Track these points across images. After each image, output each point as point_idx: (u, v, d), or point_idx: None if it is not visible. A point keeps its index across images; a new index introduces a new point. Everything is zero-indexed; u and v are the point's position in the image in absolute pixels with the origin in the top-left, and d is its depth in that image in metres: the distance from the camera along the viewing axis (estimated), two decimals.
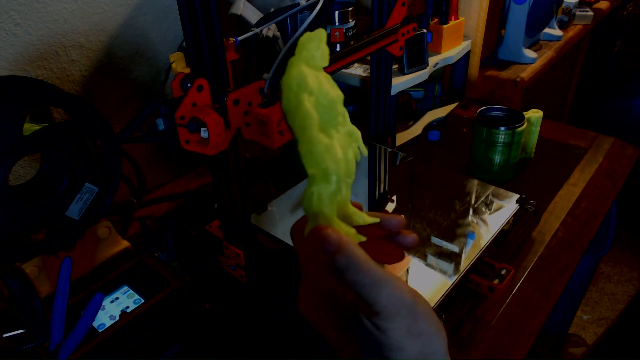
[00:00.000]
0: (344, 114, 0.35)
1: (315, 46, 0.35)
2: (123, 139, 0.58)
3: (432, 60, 1.08)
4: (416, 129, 1.13)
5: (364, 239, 0.35)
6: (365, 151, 0.37)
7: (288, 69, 0.34)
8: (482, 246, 0.69)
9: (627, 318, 1.08)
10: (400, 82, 1.01)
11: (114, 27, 0.84)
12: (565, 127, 1.15)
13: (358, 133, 0.36)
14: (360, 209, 0.37)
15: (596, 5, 1.78)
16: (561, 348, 1.58)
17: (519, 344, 0.66)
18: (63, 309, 0.52)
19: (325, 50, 0.35)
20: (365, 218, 0.36)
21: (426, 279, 0.66)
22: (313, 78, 0.34)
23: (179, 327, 0.62)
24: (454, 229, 0.73)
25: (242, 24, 0.88)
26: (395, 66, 1.06)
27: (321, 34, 0.35)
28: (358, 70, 1.05)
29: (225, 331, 0.67)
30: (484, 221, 0.75)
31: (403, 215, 0.38)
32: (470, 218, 0.76)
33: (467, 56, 1.23)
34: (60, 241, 0.59)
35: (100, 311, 0.56)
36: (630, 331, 1.00)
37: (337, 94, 0.35)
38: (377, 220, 0.36)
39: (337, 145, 0.34)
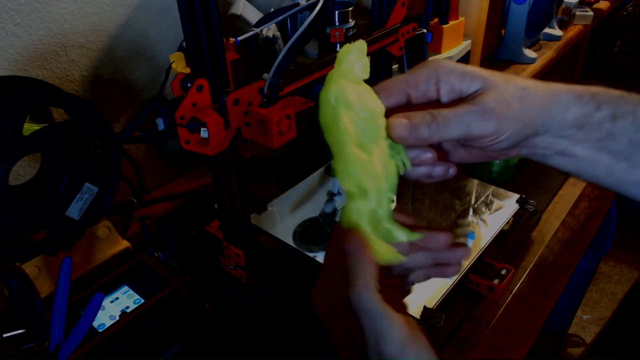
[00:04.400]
0: (385, 126, 0.34)
1: (355, 58, 0.34)
2: (123, 139, 0.58)
3: None
4: None
5: (403, 258, 0.34)
6: (409, 164, 0.35)
7: (327, 83, 0.33)
8: (482, 246, 0.69)
9: (621, 316, 1.08)
10: None
11: (114, 27, 0.84)
12: None
13: (400, 145, 0.35)
14: (410, 223, 0.36)
15: (596, 5, 1.78)
16: (561, 348, 1.58)
17: (519, 344, 0.66)
18: (63, 309, 0.52)
19: (365, 62, 0.35)
20: (407, 235, 0.35)
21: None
22: (352, 92, 0.33)
23: (179, 327, 0.62)
24: (454, 229, 0.73)
25: (242, 24, 0.88)
26: (395, 66, 1.06)
27: (361, 45, 0.34)
28: None
29: (225, 331, 0.67)
30: (484, 221, 0.75)
31: (450, 233, 0.37)
32: (470, 218, 0.75)
33: (467, 56, 1.22)
34: (60, 241, 0.59)
35: (100, 311, 0.56)
36: (626, 329, 1.00)
37: (378, 107, 0.34)
38: (420, 236, 0.35)
39: (377, 161, 0.33)
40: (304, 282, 0.70)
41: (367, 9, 1.15)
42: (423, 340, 0.31)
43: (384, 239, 0.34)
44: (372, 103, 0.34)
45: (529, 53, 1.35)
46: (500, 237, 0.75)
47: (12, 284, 0.52)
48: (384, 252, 0.34)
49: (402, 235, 0.35)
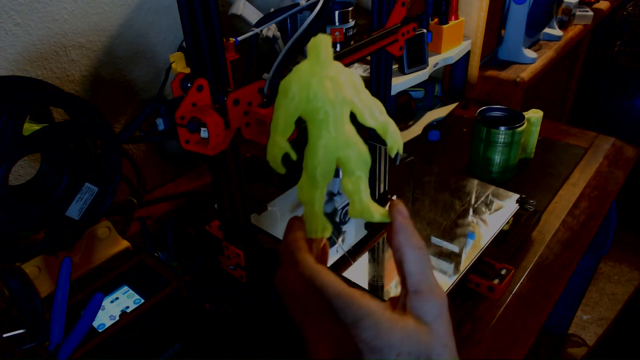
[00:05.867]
0: (361, 111, 0.36)
1: (315, 52, 0.36)
2: (123, 139, 0.58)
3: (432, 60, 1.08)
4: (416, 129, 1.13)
5: (328, 235, 0.38)
6: (397, 146, 0.38)
7: (293, 74, 0.36)
8: (482, 246, 0.69)
9: (625, 318, 1.08)
10: (400, 82, 1.01)
11: (114, 27, 0.84)
12: (565, 127, 1.15)
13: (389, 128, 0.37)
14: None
15: (596, 5, 1.78)
16: (561, 348, 1.58)
17: (519, 344, 0.66)
18: (63, 309, 0.52)
19: (331, 52, 0.36)
20: (381, 215, 0.37)
21: None
22: (304, 84, 0.35)
23: (179, 327, 0.62)
24: (454, 229, 0.73)
25: (242, 24, 0.88)
26: (395, 66, 1.06)
27: (328, 37, 0.36)
28: (358, 70, 1.05)
29: (225, 331, 0.67)
30: (484, 221, 0.75)
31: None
32: (470, 218, 0.75)
33: (467, 56, 1.23)
34: (60, 241, 0.59)
35: (100, 311, 0.56)
36: (629, 331, 1.00)
37: (340, 98, 0.36)
38: (387, 220, 0.36)
39: (321, 147, 0.36)
40: None
41: (367, 9, 1.16)
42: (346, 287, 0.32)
43: (360, 214, 0.37)
44: (334, 92, 0.36)
45: (529, 53, 1.35)
46: (500, 237, 0.75)
47: (12, 284, 0.52)
48: (316, 230, 0.38)
49: (376, 215, 0.37)
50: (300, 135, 0.38)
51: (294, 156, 0.37)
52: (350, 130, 0.36)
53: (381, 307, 0.32)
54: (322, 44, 0.35)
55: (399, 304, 0.33)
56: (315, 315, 0.33)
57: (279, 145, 0.37)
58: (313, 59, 0.36)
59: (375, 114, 0.37)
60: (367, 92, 0.37)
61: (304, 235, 0.37)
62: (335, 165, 0.37)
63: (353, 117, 0.37)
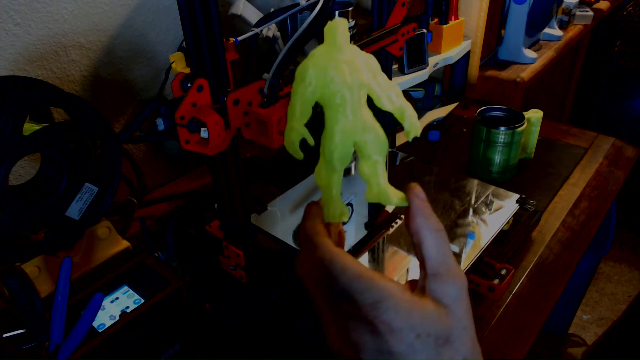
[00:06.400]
0: (378, 95, 0.36)
1: (342, 31, 0.36)
2: (123, 139, 0.58)
3: (432, 60, 1.08)
4: None
5: (346, 219, 0.38)
6: (415, 131, 0.37)
7: (310, 59, 0.36)
8: (482, 246, 0.69)
9: (628, 319, 1.08)
10: (400, 82, 1.01)
11: (114, 27, 0.84)
12: (565, 127, 1.15)
13: (404, 112, 0.37)
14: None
15: (596, 5, 1.78)
16: (561, 348, 1.58)
17: (519, 344, 0.66)
18: (63, 309, 0.52)
19: (348, 36, 0.36)
20: (399, 200, 0.37)
21: None
22: (320, 69, 0.35)
23: (179, 327, 0.62)
24: (454, 229, 0.73)
25: (242, 24, 0.88)
26: (395, 66, 1.06)
27: (344, 21, 0.36)
28: None
29: (225, 331, 0.67)
30: (484, 221, 0.75)
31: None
32: (470, 218, 0.75)
33: (467, 56, 1.23)
34: (60, 241, 0.59)
35: (100, 311, 0.56)
36: (631, 332, 1.00)
37: (358, 81, 0.35)
38: (405, 204, 0.36)
39: (337, 131, 0.36)
40: None
41: (367, 9, 1.16)
42: (368, 271, 0.32)
43: (377, 198, 0.37)
44: (350, 76, 0.35)
45: (529, 53, 1.35)
46: (500, 237, 0.75)
47: (12, 284, 0.52)
48: (334, 214, 0.38)
49: (394, 199, 0.37)
50: (316, 120, 0.38)
51: (311, 141, 0.37)
52: (367, 114, 0.36)
53: (401, 288, 0.32)
54: (338, 28, 0.35)
55: (418, 287, 0.33)
56: (334, 298, 0.33)
57: (296, 130, 0.37)
58: (329, 43, 0.35)
59: (392, 98, 0.36)
60: (384, 76, 0.36)
61: (322, 220, 0.37)
62: (352, 150, 0.36)
63: (370, 102, 0.37)
